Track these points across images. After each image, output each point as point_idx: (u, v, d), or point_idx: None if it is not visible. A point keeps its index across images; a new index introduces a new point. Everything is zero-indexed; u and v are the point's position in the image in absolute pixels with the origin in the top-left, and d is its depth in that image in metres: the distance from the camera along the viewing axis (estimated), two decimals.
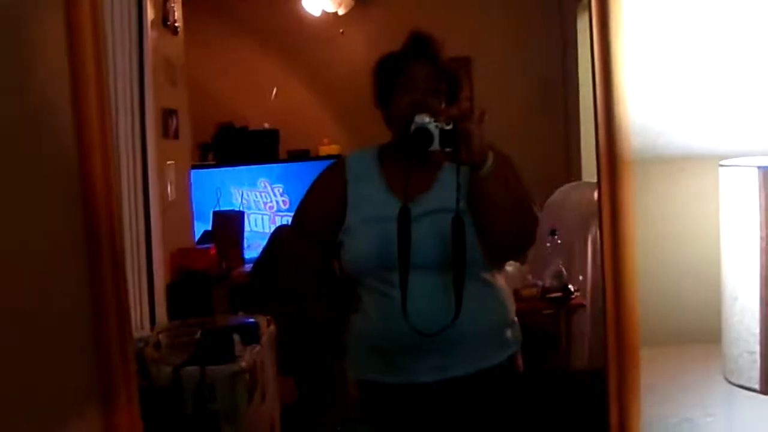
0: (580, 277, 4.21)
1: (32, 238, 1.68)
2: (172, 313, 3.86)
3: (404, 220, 2.23)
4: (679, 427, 1.76)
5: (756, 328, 1.43)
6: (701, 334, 1.67)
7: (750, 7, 1.71)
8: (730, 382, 1.51)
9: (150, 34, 3.79)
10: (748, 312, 1.44)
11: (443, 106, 2.34)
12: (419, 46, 2.40)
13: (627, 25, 1.69)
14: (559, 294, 4.17)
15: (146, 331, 3.57)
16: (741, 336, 1.46)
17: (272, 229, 5.55)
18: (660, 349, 1.75)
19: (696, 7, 1.72)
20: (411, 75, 2.35)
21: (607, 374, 1.75)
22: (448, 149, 2.17)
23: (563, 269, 4.19)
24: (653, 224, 1.71)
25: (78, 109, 1.73)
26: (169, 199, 4.12)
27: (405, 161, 2.27)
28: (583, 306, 4.18)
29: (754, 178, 1.41)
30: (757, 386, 1.44)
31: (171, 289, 3.94)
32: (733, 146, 1.68)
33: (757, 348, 1.43)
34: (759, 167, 1.41)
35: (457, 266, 2.24)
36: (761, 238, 1.41)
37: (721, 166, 1.52)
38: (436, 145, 2.17)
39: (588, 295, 4.20)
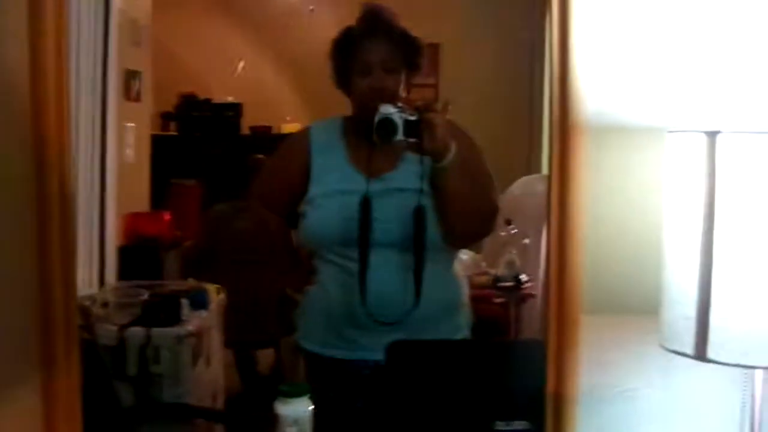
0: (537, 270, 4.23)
1: None
2: (122, 275, 3.83)
3: (366, 202, 2.24)
4: (617, 396, 1.78)
5: (694, 293, 1.44)
6: (643, 302, 1.69)
7: None
8: (666, 349, 1.52)
9: None
10: (686, 277, 1.46)
11: (403, 80, 2.35)
12: (373, 21, 2.39)
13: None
14: (510, 283, 4.17)
15: (95, 290, 3.54)
16: (678, 301, 1.48)
17: None
18: (601, 317, 1.77)
19: None
20: (366, 56, 2.34)
21: (547, 341, 1.77)
22: (412, 139, 2.18)
23: (516, 259, 4.20)
24: (602, 193, 1.73)
25: (34, 59, 1.74)
26: (127, 161, 4.09)
27: (367, 141, 2.27)
28: (533, 296, 4.19)
29: (700, 144, 1.43)
30: (691, 352, 1.45)
31: (122, 252, 3.91)
32: (683, 118, 1.70)
33: (693, 313, 1.44)
34: (706, 132, 1.42)
35: (418, 254, 2.26)
36: (705, 204, 1.42)
37: (669, 132, 1.53)
38: (400, 135, 2.18)
39: (539, 286, 4.21)
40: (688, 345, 1.45)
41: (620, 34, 1.75)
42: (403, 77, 2.36)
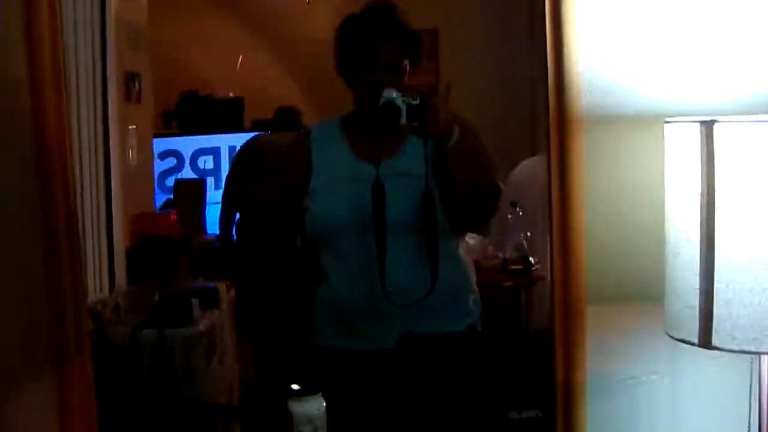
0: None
1: None
2: (132, 277, 3.85)
3: (378, 185, 2.26)
4: (625, 384, 1.79)
5: (696, 283, 1.45)
6: (646, 290, 1.69)
7: None
8: (672, 337, 1.53)
9: None
10: (688, 267, 1.46)
11: (406, 73, 2.36)
12: (377, 17, 2.39)
13: None
14: (519, 266, 4.18)
15: (105, 294, 3.57)
16: (682, 291, 1.48)
17: None
18: (606, 307, 1.77)
19: None
20: (371, 55, 2.35)
21: (553, 331, 1.78)
22: (415, 123, 2.21)
23: (524, 241, 4.20)
24: (601, 183, 1.74)
25: (32, 63, 1.74)
26: (131, 163, 4.11)
27: (370, 129, 2.30)
28: (543, 278, 4.19)
29: (696, 133, 1.43)
30: (696, 340, 1.46)
31: (131, 254, 3.93)
32: (679, 106, 1.71)
33: (696, 302, 1.45)
34: (701, 122, 1.42)
35: (430, 237, 2.27)
36: (701, 194, 1.43)
37: (666, 122, 1.53)
38: (403, 119, 2.20)
39: (548, 268, 4.20)
40: (693, 334, 1.45)
41: (615, 22, 1.75)
42: (406, 71, 2.37)
